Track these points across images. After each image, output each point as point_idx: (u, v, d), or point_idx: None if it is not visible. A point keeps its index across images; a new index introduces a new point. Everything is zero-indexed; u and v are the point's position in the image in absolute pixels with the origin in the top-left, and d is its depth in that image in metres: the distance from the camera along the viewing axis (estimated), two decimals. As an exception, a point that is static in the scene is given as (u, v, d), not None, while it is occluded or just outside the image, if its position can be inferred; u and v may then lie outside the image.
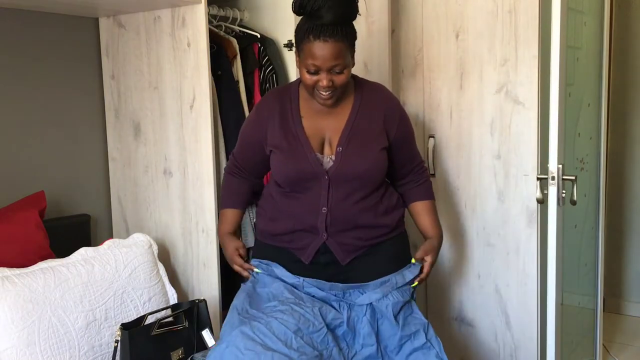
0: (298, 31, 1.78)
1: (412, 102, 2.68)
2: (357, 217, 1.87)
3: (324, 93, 1.79)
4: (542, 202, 2.33)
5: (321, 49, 1.71)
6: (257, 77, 2.46)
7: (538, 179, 2.34)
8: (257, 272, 1.91)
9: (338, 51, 1.72)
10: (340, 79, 1.77)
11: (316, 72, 1.75)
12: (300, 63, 1.80)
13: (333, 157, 1.86)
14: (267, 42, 2.46)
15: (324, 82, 1.75)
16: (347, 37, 1.75)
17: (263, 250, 1.99)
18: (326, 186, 1.85)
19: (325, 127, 1.89)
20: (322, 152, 1.88)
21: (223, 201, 2.08)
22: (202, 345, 1.96)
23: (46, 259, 1.94)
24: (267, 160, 1.94)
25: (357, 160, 1.85)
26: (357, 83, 1.95)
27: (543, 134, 2.34)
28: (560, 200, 2.24)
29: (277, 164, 1.89)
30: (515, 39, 2.39)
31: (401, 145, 1.97)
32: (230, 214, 2.05)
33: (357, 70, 2.52)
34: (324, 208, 1.85)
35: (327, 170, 1.84)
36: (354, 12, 1.77)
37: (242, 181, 2.05)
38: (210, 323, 2.01)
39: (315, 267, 1.90)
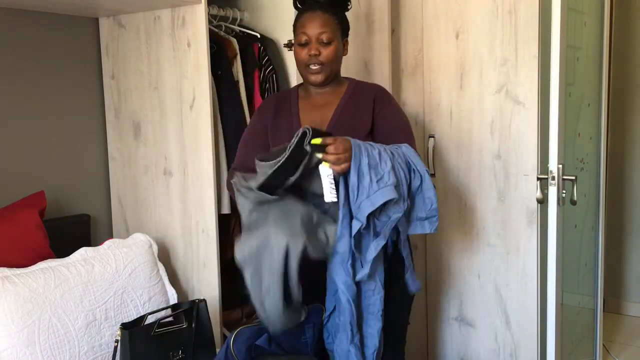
0: (296, 16, 1.94)
1: (412, 102, 2.68)
2: None
3: (312, 67, 1.89)
4: (542, 202, 2.33)
5: (310, 19, 1.88)
6: (257, 77, 2.45)
7: (538, 179, 2.34)
8: None
9: (325, 21, 1.88)
10: (327, 52, 1.88)
11: (306, 44, 1.89)
12: (295, 42, 1.93)
13: None
14: (267, 42, 2.46)
15: (312, 51, 1.87)
16: (337, 17, 1.91)
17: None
18: None
19: (318, 119, 1.94)
20: None
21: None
22: (202, 345, 1.96)
23: (46, 259, 1.94)
24: None
25: None
26: (352, 80, 2.02)
27: (543, 134, 2.34)
28: (560, 200, 2.24)
29: None
30: (515, 39, 2.39)
31: (384, 122, 1.94)
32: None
33: (357, 70, 2.54)
34: None
35: None
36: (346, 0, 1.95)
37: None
38: (210, 323, 2.01)
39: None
